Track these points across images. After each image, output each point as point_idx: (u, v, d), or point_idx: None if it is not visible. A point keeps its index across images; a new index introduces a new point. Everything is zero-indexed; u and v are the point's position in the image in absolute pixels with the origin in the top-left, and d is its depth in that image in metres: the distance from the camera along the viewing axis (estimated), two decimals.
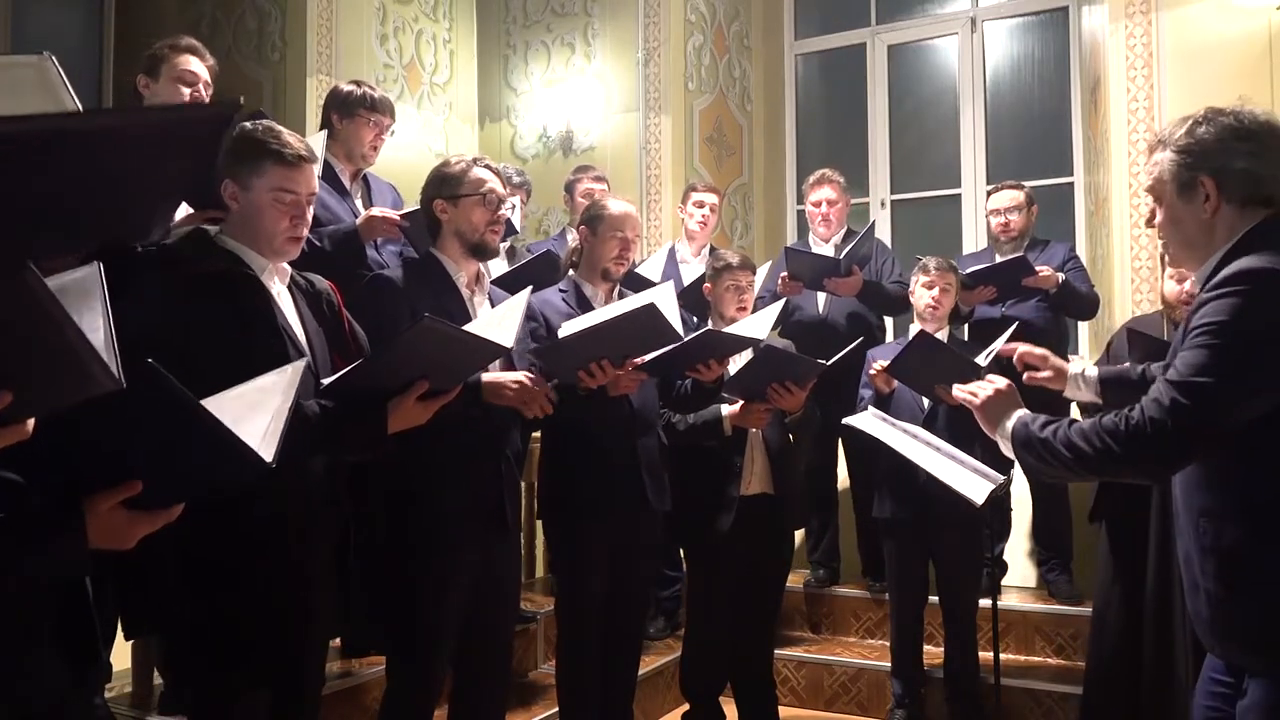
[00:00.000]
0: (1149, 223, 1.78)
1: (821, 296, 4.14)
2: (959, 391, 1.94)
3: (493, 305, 2.50)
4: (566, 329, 2.56)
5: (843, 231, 4.29)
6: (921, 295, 3.48)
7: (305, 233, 2.01)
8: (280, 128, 2.02)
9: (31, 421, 1.07)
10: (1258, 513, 1.55)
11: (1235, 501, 1.57)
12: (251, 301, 1.92)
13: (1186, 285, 2.94)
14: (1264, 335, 1.50)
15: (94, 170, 0.94)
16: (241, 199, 1.95)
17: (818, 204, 4.23)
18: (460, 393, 2.07)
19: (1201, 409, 1.50)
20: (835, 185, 4.23)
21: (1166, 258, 2.98)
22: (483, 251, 2.46)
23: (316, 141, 2.92)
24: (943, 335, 3.45)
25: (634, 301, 2.56)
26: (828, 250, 4.19)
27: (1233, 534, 1.55)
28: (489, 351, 2.05)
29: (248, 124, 2.02)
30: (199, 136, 1.00)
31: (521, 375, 2.33)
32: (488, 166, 2.47)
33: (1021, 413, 1.80)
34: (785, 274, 3.95)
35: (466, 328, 2.07)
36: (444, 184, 2.44)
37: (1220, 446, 1.55)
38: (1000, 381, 1.88)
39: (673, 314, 2.58)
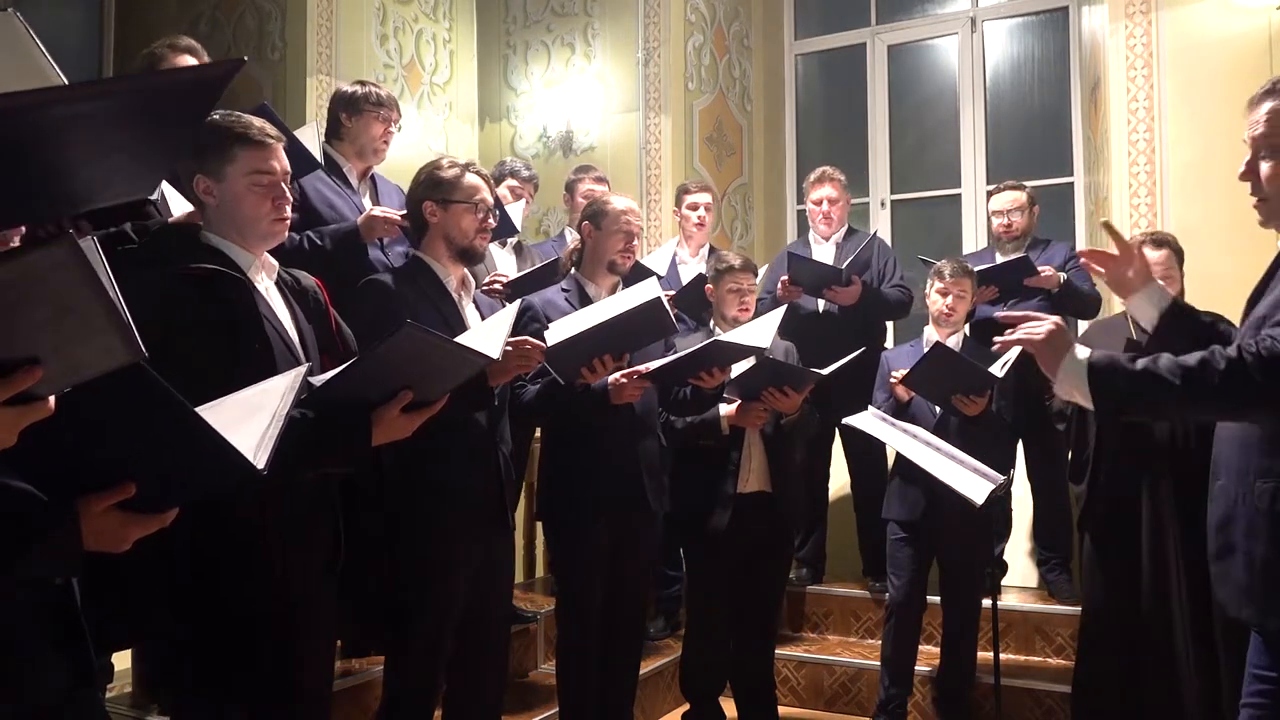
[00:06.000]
0: (1244, 176, 1.68)
1: None
2: (1021, 333, 1.76)
3: (479, 310, 2.50)
4: (558, 326, 2.56)
5: (844, 230, 4.28)
6: (936, 301, 3.44)
7: (289, 213, 1.96)
8: (240, 112, 1.94)
9: (53, 399, 1.03)
10: None
11: None
12: (236, 300, 1.86)
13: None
14: None
15: (109, 136, 0.96)
16: (217, 191, 1.88)
17: (819, 202, 4.23)
18: (448, 403, 1.94)
19: None
20: (836, 183, 4.22)
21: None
22: (470, 256, 2.46)
23: (309, 134, 2.92)
24: (956, 340, 3.41)
25: (637, 296, 2.56)
26: (829, 248, 4.19)
27: None
28: (474, 362, 1.95)
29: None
30: (206, 92, 1.02)
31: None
32: (478, 173, 2.46)
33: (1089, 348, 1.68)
34: (785, 278, 3.94)
35: (459, 339, 2.01)
36: (436, 187, 2.42)
37: None
38: (1052, 318, 1.75)
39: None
